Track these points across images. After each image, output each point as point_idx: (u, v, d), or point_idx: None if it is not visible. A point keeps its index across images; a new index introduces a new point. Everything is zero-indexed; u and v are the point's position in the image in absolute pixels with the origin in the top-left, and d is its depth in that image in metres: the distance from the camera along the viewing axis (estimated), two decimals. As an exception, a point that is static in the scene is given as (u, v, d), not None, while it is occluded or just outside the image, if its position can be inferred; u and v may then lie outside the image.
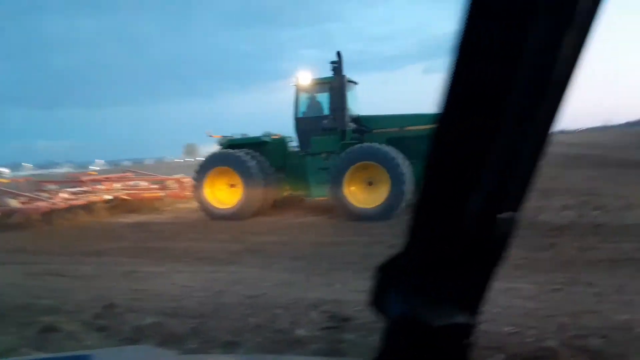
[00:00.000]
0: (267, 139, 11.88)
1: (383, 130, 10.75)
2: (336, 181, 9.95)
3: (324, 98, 11.36)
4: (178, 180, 13.96)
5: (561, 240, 7.17)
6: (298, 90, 11.40)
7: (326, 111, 11.17)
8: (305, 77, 11.29)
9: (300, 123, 11.40)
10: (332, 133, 10.79)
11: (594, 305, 4.55)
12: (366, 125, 11.01)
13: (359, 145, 10.19)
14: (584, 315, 4.32)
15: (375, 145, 10.00)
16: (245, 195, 10.59)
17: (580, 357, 3.53)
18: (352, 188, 10.05)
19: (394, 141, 10.20)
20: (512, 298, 4.89)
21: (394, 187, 9.53)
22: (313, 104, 11.62)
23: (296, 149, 11.81)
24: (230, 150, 11.18)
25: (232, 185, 10.98)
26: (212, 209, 10.98)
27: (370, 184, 10.12)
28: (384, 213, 9.49)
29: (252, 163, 10.69)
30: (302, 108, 11.55)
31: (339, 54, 10.67)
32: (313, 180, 10.81)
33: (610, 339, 3.80)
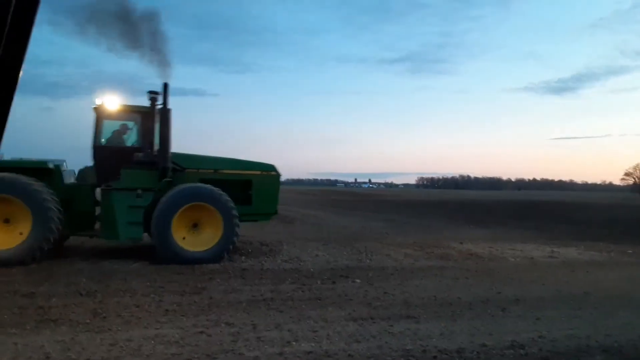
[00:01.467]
0: (51, 165, 9.66)
1: (196, 170, 10.19)
2: (164, 222, 9.11)
3: (133, 127, 10.27)
4: None
5: (211, 284, 7.55)
6: (101, 114, 9.95)
7: (134, 142, 10.20)
8: (112, 102, 9.88)
9: (101, 152, 9.90)
10: (146, 168, 9.65)
11: (230, 345, 4.85)
12: (179, 164, 10.07)
13: (191, 185, 9.59)
14: (220, 355, 4.55)
15: (206, 185, 9.55)
16: (35, 233, 8.64)
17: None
18: (179, 230, 9.34)
19: (207, 182, 9.76)
20: (157, 344, 4.78)
21: (227, 229, 9.40)
22: (120, 132, 10.34)
23: (78, 181, 10.36)
24: (13, 175, 8.83)
25: (5, 220, 8.83)
26: None
27: (194, 226, 9.57)
28: (215, 256, 9.30)
29: (46, 193, 8.82)
30: (106, 135, 10.17)
31: (165, 85, 9.68)
32: (121, 221, 9.25)
33: (239, 376, 4.07)
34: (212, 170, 10.31)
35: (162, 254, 9.16)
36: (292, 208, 27.83)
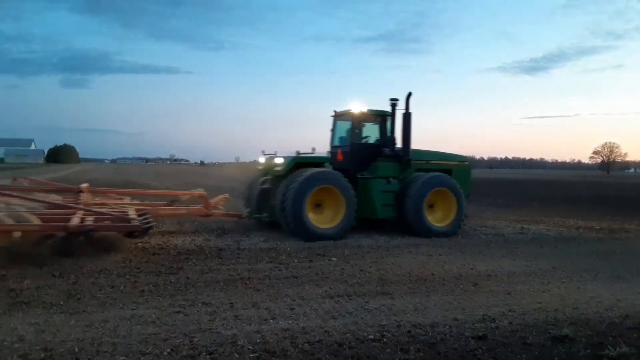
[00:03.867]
0: (325, 158, 11.57)
1: (415, 161, 11.93)
2: (417, 203, 11.04)
3: (374, 128, 12.22)
4: (202, 196, 11.41)
5: (187, 264, 7.53)
6: (352, 118, 11.95)
7: (376, 140, 12.12)
8: (359, 108, 11.80)
9: (355, 148, 11.78)
10: (391, 160, 11.64)
11: (208, 324, 4.87)
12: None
13: (432, 174, 11.54)
14: (197, 334, 4.56)
15: (444, 175, 11.70)
16: (348, 214, 10.53)
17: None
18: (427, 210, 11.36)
19: (421, 171, 11.82)
20: (133, 325, 4.77)
21: (459, 208, 11.55)
22: (366, 131, 12.25)
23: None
24: (333, 171, 10.93)
25: (317, 205, 10.72)
26: (314, 229, 10.21)
27: (430, 206, 11.47)
28: (453, 230, 11.43)
29: (350, 184, 10.80)
30: (362, 134, 12.16)
31: (409, 94, 11.61)
32: (378, 202, 11.21)
33: (217, 355, 4.10)
34: (424, 161, 12.19)
35: (415, 230, 11.05)
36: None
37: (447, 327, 4.95)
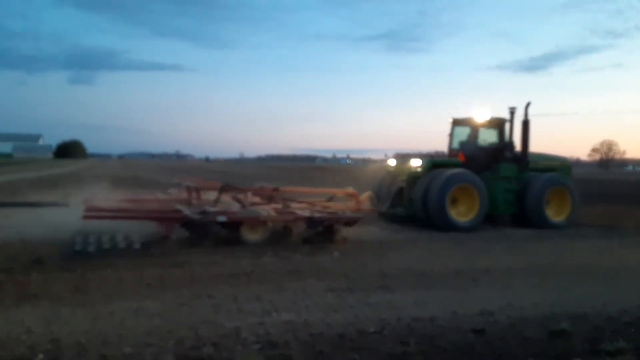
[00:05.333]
0: (457, 161, 12.81)
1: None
2: (538, 200, 12.35)
3: (493, 133, 13.54)
4: (353, 194, 12.16)
5: (192, 258, 7.63)
6: (475, 125, 13.41)
7: (493, 143, 13.38)
8: (483, 115, 13.26)
9: (477, 151, 13.17)
10: (512, 162, 12.94)
11: (212, 316, 4.97)
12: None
13: (550, 174, 12.96)
14: (202, 326, 4.67)
15: (559, 174, 13.16)
16: (481, 209, 11.92)
17: (193, 367, 3.77)
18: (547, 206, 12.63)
19: (533, 170, 13.08)
20: (139, 317, 4.88)
21: (574, 206, 12.82)
22: (485, 136, 13.58)
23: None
24: (466, 170, 12.21)
25: (453, 201, 11.85)
26: (454, 221, 11.59)
27: (547, 203, 12.63)
28: (569, 224, 12.66)
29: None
30: (482, 139, 13.51)
31: (528, 103, 13.15)
32: (501, 200, 12.50)
33: (220, 346, 4.21)
34: (535, 162, 13.33)
35: (536, 224, 12.23)
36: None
37: (446, 320, 5.04)
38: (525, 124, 13.11)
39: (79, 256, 7.58)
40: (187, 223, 8.61)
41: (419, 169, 12.41)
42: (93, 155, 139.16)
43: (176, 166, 62.49)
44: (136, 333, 4.44)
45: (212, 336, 4.41)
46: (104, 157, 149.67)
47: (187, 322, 4.77)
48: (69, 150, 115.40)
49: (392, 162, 13.60)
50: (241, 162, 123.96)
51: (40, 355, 3.90)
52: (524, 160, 13.05)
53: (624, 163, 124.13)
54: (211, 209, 9.08)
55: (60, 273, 6.51)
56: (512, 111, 13.11)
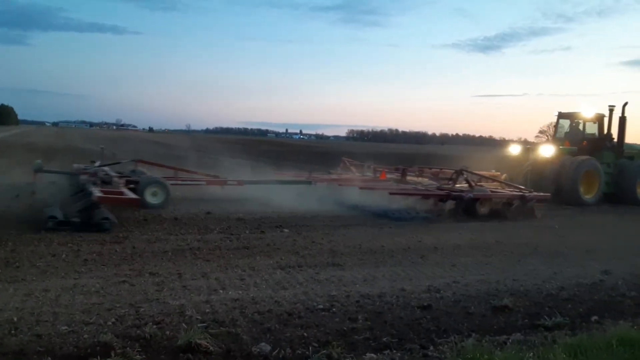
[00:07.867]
0: (574, 149, 15.48)
1: None
2: (632, 182, 15.15)
3: (593, 126, 16.20)
4: (496, 176, 13.91)
5: (133, 234, 7.32)
6: (581, 118, 16.27)
7: (594, 135, 16.04)
8: (588, 111, 16.00)
9: (583, 141, 15.79)
10: (610, 150, 15.53)
11: (155, 294, 4.77)
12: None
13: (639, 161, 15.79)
14: (144, 304, 4.47)
15: None
16: (600, 189, 14.64)
17: (133, 346, 3.59)
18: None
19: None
20: (76, 295, 4.62)
21: None
22: (588, 129, 16.32)
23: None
24: (589, 157, 14.74)
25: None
26: (583, 199, 14.22)
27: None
28: None
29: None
30: (587, 131, 16.27)
31: (626, 103, 15.65)
32: (603, 181, 14.70)
33: (164, 324, 4.03)
34: (625, 150, 15.90)
35: (629, 202, 14.84)
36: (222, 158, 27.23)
37: (394, 297, 5.07)
38: (622, 120, 15.68)
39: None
40: (454, 198, 10.56)
41: (550, 156, 14.80)
42: (25, 122, 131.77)
43: (117, 136, 59.68)
44: (72, 311, 4.20)
45: (154, 314, 4.22)
46: (37, 124, 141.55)
47: (128, 299, 4.56)
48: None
49: (515, 150, 15.95)
50: (189, 134, 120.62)
51: (-36, 336, 3.61)
52: (620, 149, 15.69)
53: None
54: (460, 188, 11.22)
55: (-11, 248, 6.08)
56: (611, 109, 15.56)
